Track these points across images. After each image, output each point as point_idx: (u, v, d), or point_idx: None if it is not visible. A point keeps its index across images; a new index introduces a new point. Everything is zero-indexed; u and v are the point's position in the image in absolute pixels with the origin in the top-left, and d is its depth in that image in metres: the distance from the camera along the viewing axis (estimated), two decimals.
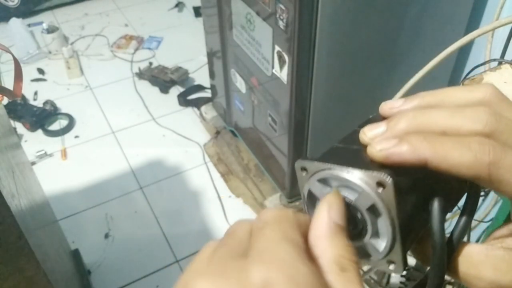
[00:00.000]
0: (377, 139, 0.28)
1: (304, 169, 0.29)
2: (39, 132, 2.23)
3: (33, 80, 2.52)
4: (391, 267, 0.28)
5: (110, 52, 2.71)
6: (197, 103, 2.32)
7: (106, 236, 1.80)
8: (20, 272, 0.88)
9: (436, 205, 0.27)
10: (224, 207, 1.88)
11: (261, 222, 0.25)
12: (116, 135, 2.22)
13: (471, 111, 0.26)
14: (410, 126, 0.27)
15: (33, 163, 2.04)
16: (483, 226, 1.33)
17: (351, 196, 0.28)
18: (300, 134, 1.53)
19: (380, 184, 0.26)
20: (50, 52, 2.66)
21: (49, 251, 1.16)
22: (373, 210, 0.27)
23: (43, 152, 2.10)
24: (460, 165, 0.25)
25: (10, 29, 2.66)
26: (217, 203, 1.90)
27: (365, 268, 1.64)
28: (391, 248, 0.27)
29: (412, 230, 0.28)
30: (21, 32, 2.65)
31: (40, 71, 2.59)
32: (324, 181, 0.29)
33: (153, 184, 1.99)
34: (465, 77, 0.87)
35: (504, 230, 0.29)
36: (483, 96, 0.27)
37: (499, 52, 1.05)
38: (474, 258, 0.27)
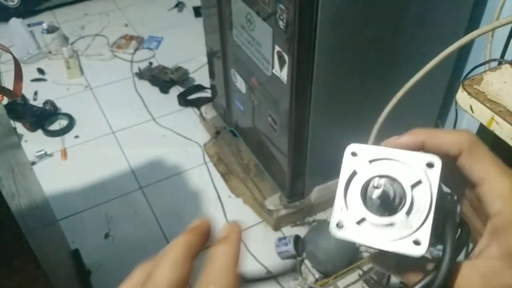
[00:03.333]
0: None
1: (354, 153, 0.34)
2: (39, 132, 2.23)
3: (33, 80, 2.52)
4: (415, 248, 0.30)
5: (110, 52, 2.71)
6: (197, 103, 2.32)
7: (106, 236, 1.80)
8: (20, 272, 0.89)
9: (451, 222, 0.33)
10: (224, 207, 1.88)
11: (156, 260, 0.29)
12: (116, 135, 2.22)
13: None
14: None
15: (33, 163, 2.04)
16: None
17: (397, 173, 0.32)
18: (300, 134, 1.53)
19: (429, 164, 0.31)
20: (50, 52, 2.66)
21: (49, 251, 1.16)
22: (416, 186, 0.31)
23: (43, 152, 2.10)
24: (448, 143, 0.32)
25: (10, 29, 2.66)
26: (217, 203, 1.90)
27: (365, 268, 1.64)
28: (422, 224, 0.31)
29: (438, 219, 0.31)
30: (21, 32, 2.65)
31: (40, 71, 2.59)
32: (374, 161, 0.33)
33: (153, 184, 1.99)
34: (465, 77, 0.87)
35: (480, 246, 0.32)
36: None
37: (499, 52, 1.05)
38: (463, 270, 0.30)
